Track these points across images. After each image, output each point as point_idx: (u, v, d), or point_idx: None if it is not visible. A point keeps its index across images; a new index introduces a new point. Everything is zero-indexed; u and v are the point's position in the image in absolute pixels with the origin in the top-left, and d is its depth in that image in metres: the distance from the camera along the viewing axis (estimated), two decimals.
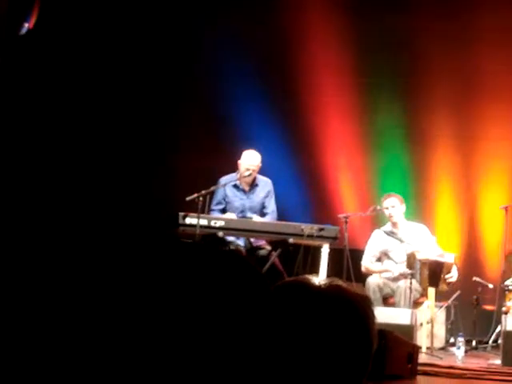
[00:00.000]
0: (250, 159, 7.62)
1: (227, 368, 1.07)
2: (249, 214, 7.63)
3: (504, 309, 7.67)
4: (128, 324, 1.04)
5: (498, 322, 7.35)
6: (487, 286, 8.33)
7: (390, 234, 7.67)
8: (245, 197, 7.72)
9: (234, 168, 7.73)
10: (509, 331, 6.26)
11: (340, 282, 1.50)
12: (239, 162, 7.63)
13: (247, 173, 7.55)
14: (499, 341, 7.03)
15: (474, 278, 8.40)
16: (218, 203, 7.70)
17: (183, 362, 1.04)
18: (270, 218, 7.67)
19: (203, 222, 7.03)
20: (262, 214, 7.70)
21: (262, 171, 7.81)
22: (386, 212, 7.69)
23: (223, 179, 7.68)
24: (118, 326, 1.05)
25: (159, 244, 1.11)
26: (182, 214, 7.06)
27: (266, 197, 7.76)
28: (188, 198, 7.04)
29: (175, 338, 1.04)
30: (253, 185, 7.74)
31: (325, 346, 1.39)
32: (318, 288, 1.45)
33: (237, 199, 7.71)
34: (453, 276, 7.25)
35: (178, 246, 1.14)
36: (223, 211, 7.67)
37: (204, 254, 1.14)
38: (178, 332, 1.05)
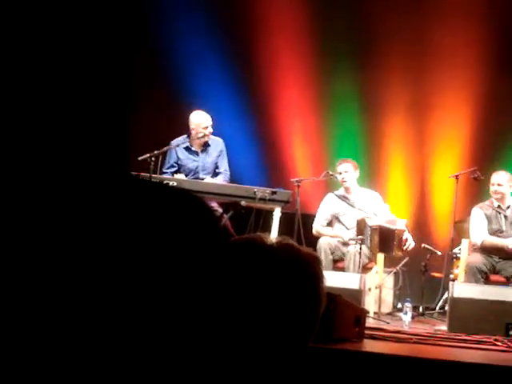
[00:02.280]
0: (202, 120, 7.56)
1: (173, 318, 1.04)
2: (202, 175, 7.59)
3: (452, 276, 7.79)
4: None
5: (446, 288, 7.44)
6: (436, 253, 8.43)
7: (343, 198, 7.71)
8: (198, 158, 7.68)
9: (187, 128, 7.67)
10: (456, 298, 6.34)
11: (291, 241, 1.50)
12: (191, 123, 7.57)
13: (201, 134, 7.51)
14: (446, 307, 7.13)
15: (423, 245, 8.49)
16: (171, 166, 7.65)
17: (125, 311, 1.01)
18: (223, 177, 7.66)
19: None
20: (215, 174, 7.68)
21: (215, 132, 7.76)
22: (339, 177, 7.72)
23: (175, 141, 7.63)
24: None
25: (113, 180, 1.07)
26: (133, 173, 6.97)
27: (219, 156, 7.73)
28: (140, 158, 6.97)
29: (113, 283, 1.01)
30: (205, 145, 7.70)
31: (275, 302, 1.39)
32: (270, 245, 1.44)
33: (190, 161, 7.67)
34: (410, 243, 7.30)
35: (133, 182, 1.10)
36: (176, 174, 7.62)
37: (161, 192, 1.10)
38: (119, 276, 1.01)
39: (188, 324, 1.05)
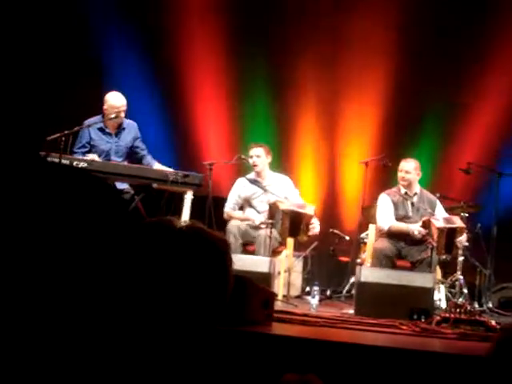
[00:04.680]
0: (117, 100, 7.47)
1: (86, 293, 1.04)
2: (114, 158, 7.50)
3: (359, 260, 7.94)
4: None
5: (353, 273, 7.59)
6: (344, 237, 8.59)
7: (254, 182, 7.74)
8: (111, 140, 7.58)
9: (98, 109, 7.56)
10: (362, 282, 6.47)
11: (200, 225, 1.52)
12: (106, 105, 7.46)
13: (113, 115, 7.41)
14: (353, 291, 7.27)
15: (332, 230, 8.63)
16: (82, 146, 7.51)
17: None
18: (151, 156, 7.62)
19: (65, 162, 6.85)
20: (128, 157, 7.60)
21: (128, 115, 7.68)
22: (251, 161, 7.76)
23: (88, 121, 7.51)
24: None
25: (25, 163, 1.06)
26: (43, 153, 6.84)
27: (136, 139, 7.65)
28: (50, 138, 6.83)
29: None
30: (119, 128, 7.60)
31: (183, 283, 1.41)
32: (179, 228, 1.46)
33: (103, 142, 7.55)
34: (315, 227, 7.40)
35: (41, 165, 1.09)
36: (88, 155, 7.49)
37: (72, 175, 1.10)
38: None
39: (98, 302, 1.05)
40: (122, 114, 7.51)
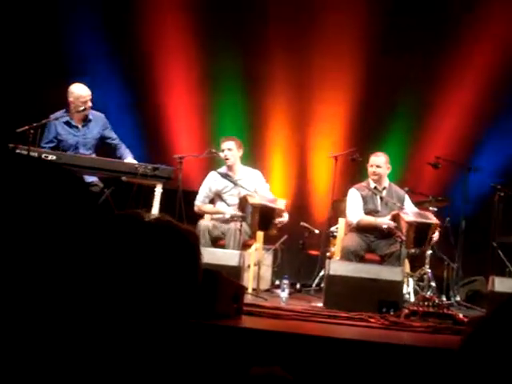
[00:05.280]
0: (83, 90, 7.40)
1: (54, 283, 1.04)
2: (82, 151, 7.45)
3: (328, 254, 7.97)
4: None
5: (322, 266, 7.61)
6: (313, 231, 8.62)
7: (225, 176, 7.73)
8: (78, 133, 7.52)
9: (65, 101, 7.49)
10: (331, 275, 6.49)
11: (169, 218, 1.52)
12: (69, 96, 7.39)
13: (81, 108, 7.35)
14: (322, 284, 7.29)
15: (302, 223, 8.65)
16: (50, 141, 7.45)
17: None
18: (124, 146, 7.58)
19: (33, 155, 6.79)
20: (102, 149, 7.55)
21: (98, 109, 7.63)
22: (222, 154, 7.75)
23: (54, 115, 7.43)
24: None
25: None
26: (11, 145, 6.78)
27: (105, 129, 7.60)
28: (18, 130, 6.77)
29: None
30: (86, 120, 7.55)
31: (152, 275, 1.41)
32: (148, 221, 1.46)
33: (70, 136, 7.49)
34: (284, 219, 7.41)
35: (9, 157, 1.09)
36: (54, 150, 7.42)
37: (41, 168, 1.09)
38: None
39: (67, 297, 1.04)
40: (90, 104, 7.45)
